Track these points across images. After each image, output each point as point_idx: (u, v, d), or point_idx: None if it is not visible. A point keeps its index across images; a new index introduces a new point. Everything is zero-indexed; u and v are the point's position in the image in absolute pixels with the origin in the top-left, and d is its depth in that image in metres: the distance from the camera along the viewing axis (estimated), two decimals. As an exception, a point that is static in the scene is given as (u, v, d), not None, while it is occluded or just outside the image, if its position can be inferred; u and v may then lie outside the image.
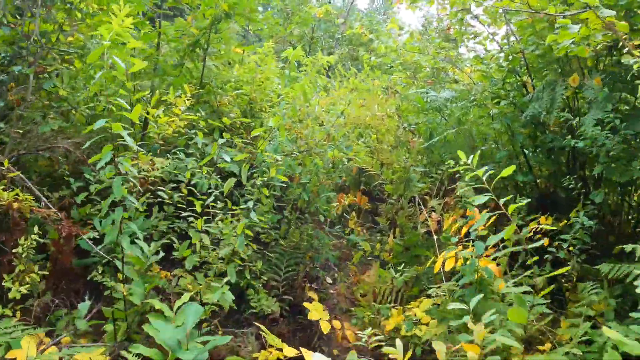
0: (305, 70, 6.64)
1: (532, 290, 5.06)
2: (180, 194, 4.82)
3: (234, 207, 4.80)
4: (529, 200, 5.96)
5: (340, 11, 14.31)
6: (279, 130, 4.76)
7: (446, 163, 6.42)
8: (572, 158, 6.94)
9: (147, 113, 4.79)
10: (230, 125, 6.40)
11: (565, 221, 6.15)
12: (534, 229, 5.87)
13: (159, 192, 4.53)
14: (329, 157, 5.51)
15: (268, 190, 4.87)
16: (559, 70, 6.62)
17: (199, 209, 4.37)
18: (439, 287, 4.94)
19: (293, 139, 5.96)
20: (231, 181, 4.45)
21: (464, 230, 5.47)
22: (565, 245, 5.68)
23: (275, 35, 10.54)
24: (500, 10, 7.48)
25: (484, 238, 5.35)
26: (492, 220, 5.58)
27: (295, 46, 6.19)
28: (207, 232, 4.62)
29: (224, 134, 5.04)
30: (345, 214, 7.53)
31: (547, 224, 5.81)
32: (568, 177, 5.85)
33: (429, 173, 7.81)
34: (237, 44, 6.88)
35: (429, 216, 6.45)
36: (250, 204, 4.52)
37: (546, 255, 5.82)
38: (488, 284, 4.83)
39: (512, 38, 7.31)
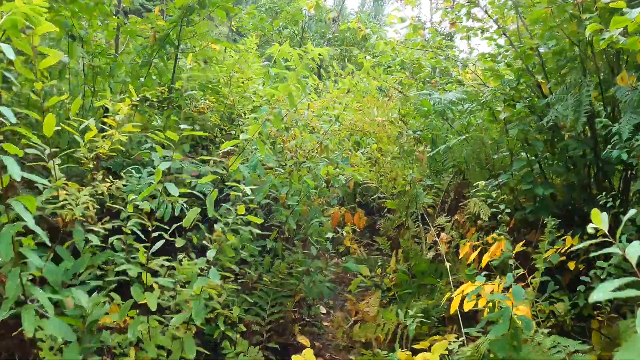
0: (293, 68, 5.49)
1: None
2: (123, 234, 3.61)
3: (184, 261, 3.55)
4: (558, 221, 4.87)
5: (332, 10, 13.11)
6: (258, 144, 3.58)
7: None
8: (596, 168, 5.87)
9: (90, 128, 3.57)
10: (208, 133, 5.26)
11: (594, 241, 5.11)
12: (559, 250, 4.88)
13: (89, 235, 3.31)
14: (321, 174, 4.34)
15: (240, 231, 3.69)
16: (583, 69, 5.53)
17: (142, 259, 3.17)
18: (461, 344, 3.80)
19: (278, 150, 4.82)
20: (195, 211, 3.28)
21: (485, 259, 4.34)
22: (602, 275, 4.61)
23: (260, 33, 9.32)
24: (510, 2, 6.40)
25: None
26: (518, 248, 4.49)
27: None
28: (168, 279, 3.40)
29: (198, 146, 3.92)
30: (339, 230, 6.37)
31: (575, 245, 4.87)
32: (604, 193, 4.74)
33: (433, 185, 6.72)
34: (214, 40, 5.70)
35: (438, 237, 5.33)
36: (212, 253, 3.33)
37: (579, 287, 4.75)
38: (520, 330, 3.71)
39: (523, 33, 6.21)
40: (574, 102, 5.15)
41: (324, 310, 5.87)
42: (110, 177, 3.91)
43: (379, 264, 6.00)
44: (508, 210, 5.24)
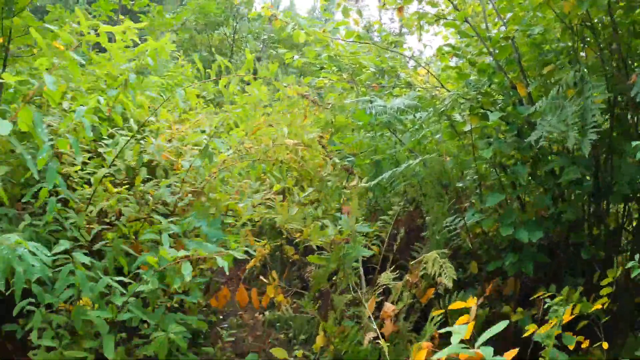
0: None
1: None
2: None
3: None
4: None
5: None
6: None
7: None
8: (596, 199, 3.97)
9: None
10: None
11: (601, 306, 3.27)
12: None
13: None
14: (164, 257, 2.25)
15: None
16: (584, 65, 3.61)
17: None
18: None
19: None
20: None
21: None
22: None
23: (162, 30, 7.03)
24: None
25: None
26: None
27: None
28: None
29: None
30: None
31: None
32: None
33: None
34: (52, 36, 3.53)
35: (379, 312, 3.33)
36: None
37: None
38: None
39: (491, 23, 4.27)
40: (577, 111, 3.19)
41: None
42: None
43: (304, 332, 4.00)
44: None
